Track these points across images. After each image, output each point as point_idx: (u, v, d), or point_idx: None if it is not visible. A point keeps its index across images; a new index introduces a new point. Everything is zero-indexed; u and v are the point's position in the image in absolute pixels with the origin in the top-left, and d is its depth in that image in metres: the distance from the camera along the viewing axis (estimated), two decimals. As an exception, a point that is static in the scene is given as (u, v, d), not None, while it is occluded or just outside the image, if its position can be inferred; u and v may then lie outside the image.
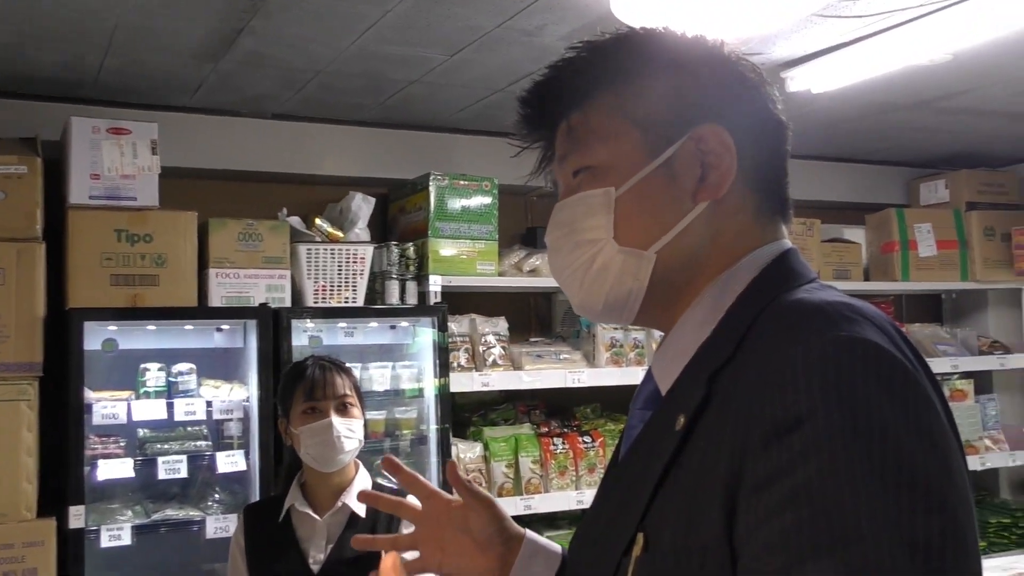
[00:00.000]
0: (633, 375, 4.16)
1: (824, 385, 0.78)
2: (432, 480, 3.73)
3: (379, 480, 2.56)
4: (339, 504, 2.33)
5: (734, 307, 0.94)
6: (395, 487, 2.52)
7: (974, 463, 4.91)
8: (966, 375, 5.12)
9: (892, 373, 0.79)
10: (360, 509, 2.33)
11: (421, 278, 3.90)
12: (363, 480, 2.41)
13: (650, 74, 1.00)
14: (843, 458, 0.75)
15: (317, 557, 2.30)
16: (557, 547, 1.19)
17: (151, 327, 3.51)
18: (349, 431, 2.33)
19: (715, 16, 2.43)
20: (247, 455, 3.45)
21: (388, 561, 1.41)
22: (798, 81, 3.23)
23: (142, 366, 3.40)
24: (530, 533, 1.19)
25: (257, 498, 3.35)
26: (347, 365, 2.48)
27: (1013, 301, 5.25)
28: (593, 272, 1.00)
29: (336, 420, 2.32)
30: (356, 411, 2.38)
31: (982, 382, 5.27)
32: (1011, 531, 4.90)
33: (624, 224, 0.99)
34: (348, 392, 2.38)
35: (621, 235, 0.99)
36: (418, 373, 3.87)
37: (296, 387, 2.38)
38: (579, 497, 4.04)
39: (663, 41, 1.03)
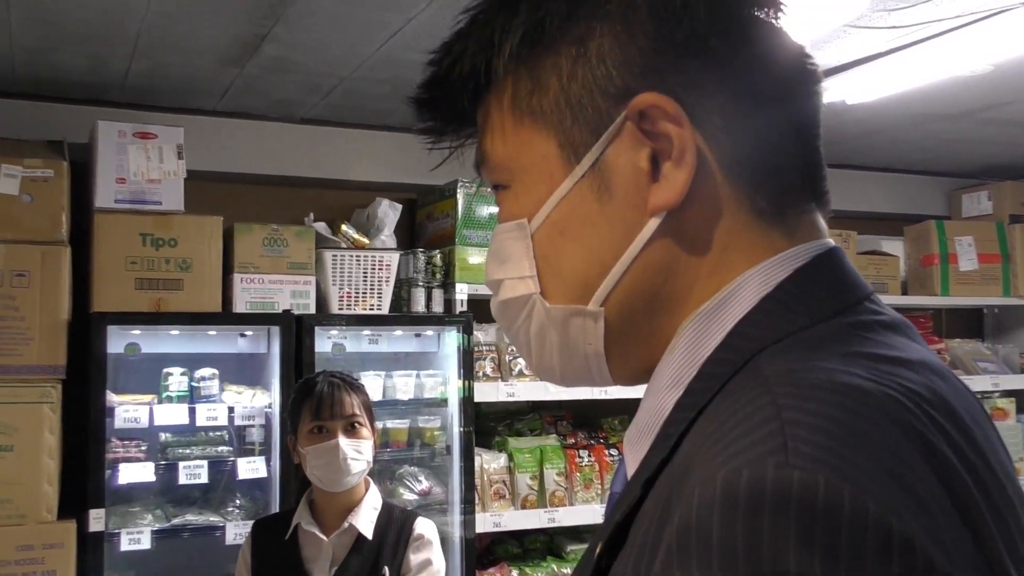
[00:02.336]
0: (661, 387, 4.09)
1: (723, 555, 0.48)
2: (455, 487, 3.69)
3: (390, 500, 2.52)
4: (346, 525, 2.29)
5: (707, 365, 0.64)
6: (404, 508, 2.48)
7: (1014, 484, 4.76)
8: (1007, 393, 4.97)
9: (863, 543, 0.46)
10: (367, 530, 2.29)
11: (447, 286, 3.86)
12: (373, 499, 2.37)
13: (553, 40, 0.68)
14: None
15: None
16: None
17: (174, 331, 3.51)
18: (357, 452, 2.28)
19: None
20: (268, 462, 3.44)
21: None
22: (832, 92, 3.15)
23: (165, 370, 3.40)
24: None
25: (277, 505, 3.34)
26: (359, 381, 2.43)
27: (1058, 317, 5.11)
28: (535, 338, 0.73)
29: (343, 441, 2.26)
30: (365, 431, 2.33)
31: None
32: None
33: (550, 271, 0.71)
34: (357, 411, 2.32)
35: (548, 288, 0.71)
36: (443, 382, 3.84)
37: (304, 405, 2.34)
38: (604, 511, 3.97)
39: None
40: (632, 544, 0.59)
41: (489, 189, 0.77)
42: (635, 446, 0.69)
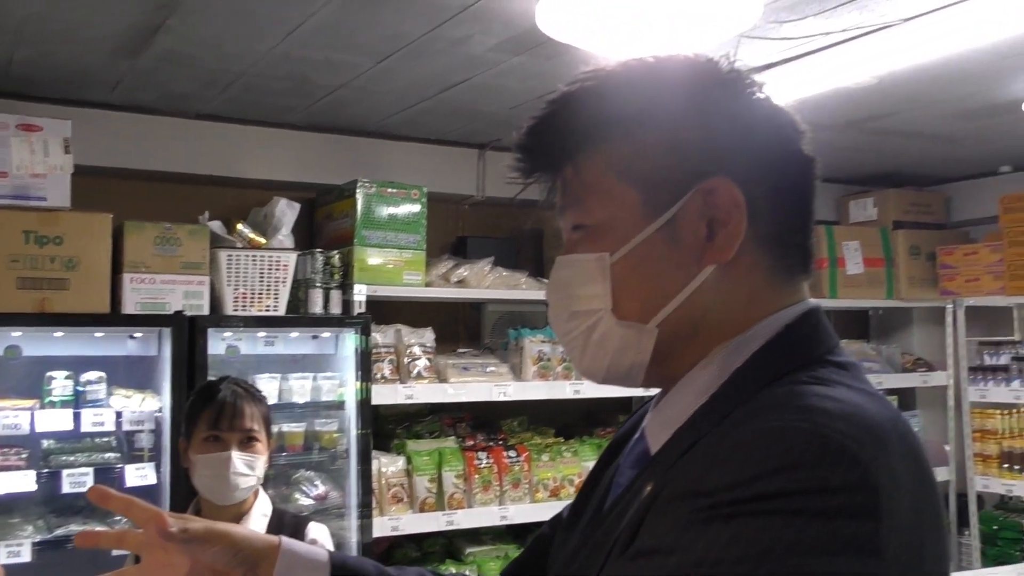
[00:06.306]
0: (560, 389, 4.13)
1: (747, 466, 0.73)
2: (353, 491, 3.65)
3: (283, 506, 2.47)
4: None
5: (734, 377, 0.88)
6: (296, 514, 2.43)
7: (895, 479, 4.96)
8: (890, 392, 5.18)
9: (844, 475, 0.72)
10: None
11: (346, 287, 3.82)
12: (262, 507, 2.31)
13: (648, 125, 0.91)
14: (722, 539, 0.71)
15: None
16: (323, 554, 1.11)
17: (59, 333, 3.37)
18: (248, 469, 2.22)
19: (641, 34, 2.40)
20: (158, 468, 3.34)
21: None
22: (727, 99, 3.22)
23: (48, 374, 3.26)
24: (287, 543, 1.10)
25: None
26: (260, 392, 2.37)
27: (936, 319, 5.34)
28: (593, 343, 0.94)
29: (236, 455, 2.20)
30: (260, 446, 2.26)
31: (906, 399, 5.35)
32: (930, 547, 4.96)
33: (622, 294, 0.91)
34: (255, 426, 2.25)
35: (619, 307, 0.91)
36: (340, 384, 3.79)
37: (202, 412, 2.26)
38: (503, 512, 3.99)
39: (664, 81, 0.92)
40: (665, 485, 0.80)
41: (569, 229, 0.97)
42: (661, 429, 0.91)
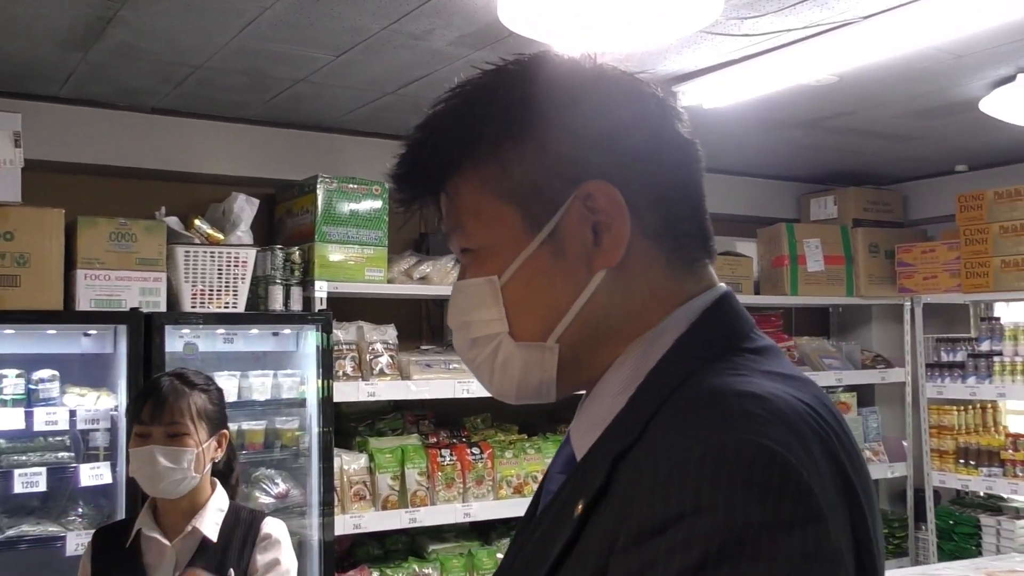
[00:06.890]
0: (523, 386, 4.11)
1: (697, 491, 0.69)
2: (314, 488, 3.61)
3: (242, 502, 2.43)
4: (189, 528, 2.19)
5: (651, 375, 0.85)
6: (253, 509, 2.40)
7: (855, 474, 5.01)
8: (849, 388, 5.24)
9: (783, 485, 0.69)
10: (212, 533, 2.20)
11: (307, 283, 3.77)
12: (219, 501, 2.27)
13: (514, 139, 0.88)
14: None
15: None
16: None
17: (9, 331, 3.29)
18: (172, 462, 2.16)
19: (604, 29, 2.39)
20: (114, 467, 3.27)
21: None
22: (689, 96, 3.23)
23: (-2, 372, 3.19)
24: None
25: (124, 513, 3.18)
26: (208, 383, 2.31)
27: (895, 316, 5.40)
28: (498, 367, 0.92)
29: (159, 450, 2.15)
30: (190, 440, 2.19)
31: (865, 395, 5.40)
32: (888, 541, 5.02)
33: (516, 315, 0.89)
34: (180, 419, 2.19)
35: (516, 328, 0.90)
36: (301, 381, 3.75)
37: (134, 405, 2.25)
38: (466, 510, 3.97)
39: (525, 91, 0.88)
40: (611, 504, 0.76)
41: (457, 252, 0.95)
42: (585, 433, 0.88)
